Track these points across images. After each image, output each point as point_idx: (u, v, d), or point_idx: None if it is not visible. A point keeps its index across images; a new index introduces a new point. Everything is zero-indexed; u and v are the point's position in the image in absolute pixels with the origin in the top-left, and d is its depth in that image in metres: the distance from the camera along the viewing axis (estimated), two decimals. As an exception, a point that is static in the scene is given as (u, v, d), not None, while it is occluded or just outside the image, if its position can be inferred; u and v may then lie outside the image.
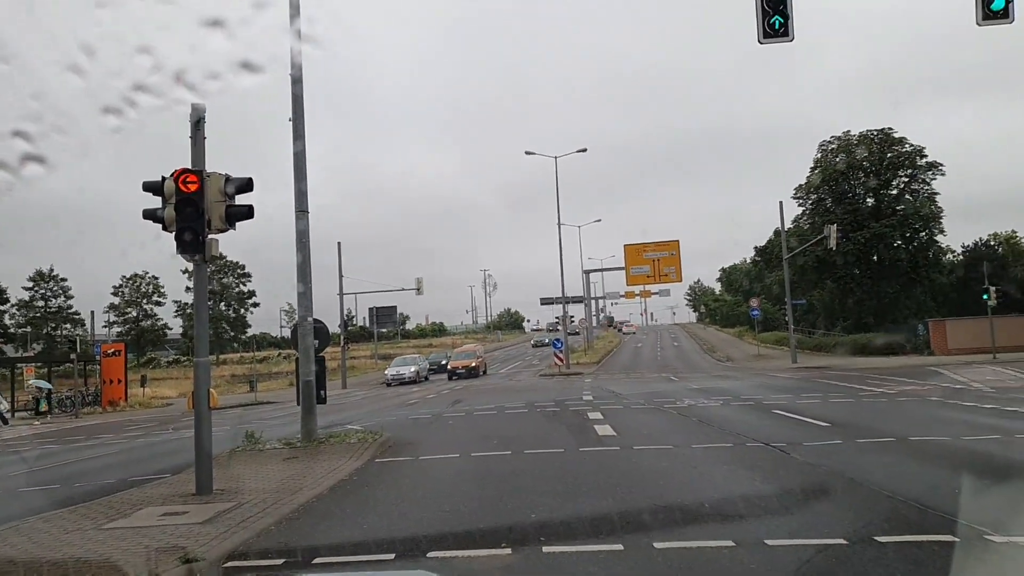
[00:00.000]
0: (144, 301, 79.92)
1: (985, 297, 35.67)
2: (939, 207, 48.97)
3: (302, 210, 13.38)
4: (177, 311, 78.38)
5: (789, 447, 10.65)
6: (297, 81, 13.28)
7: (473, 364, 45.32)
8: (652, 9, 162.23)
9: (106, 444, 19.47)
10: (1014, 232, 71.11)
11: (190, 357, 66.03)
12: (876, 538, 5.71)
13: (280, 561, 6.19)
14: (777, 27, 12.00)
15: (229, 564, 6.14)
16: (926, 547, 5.50)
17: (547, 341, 77.56)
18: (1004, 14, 12.21)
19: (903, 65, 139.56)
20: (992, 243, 66.75)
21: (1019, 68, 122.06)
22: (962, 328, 40.31)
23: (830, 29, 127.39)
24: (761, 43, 12.28)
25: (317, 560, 6.13)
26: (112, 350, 41.33)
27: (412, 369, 44.75)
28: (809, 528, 6.19)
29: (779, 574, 5.27)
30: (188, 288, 71.96)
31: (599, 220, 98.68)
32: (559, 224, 47.30)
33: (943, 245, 52.55)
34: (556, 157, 46.97)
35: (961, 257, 57.29)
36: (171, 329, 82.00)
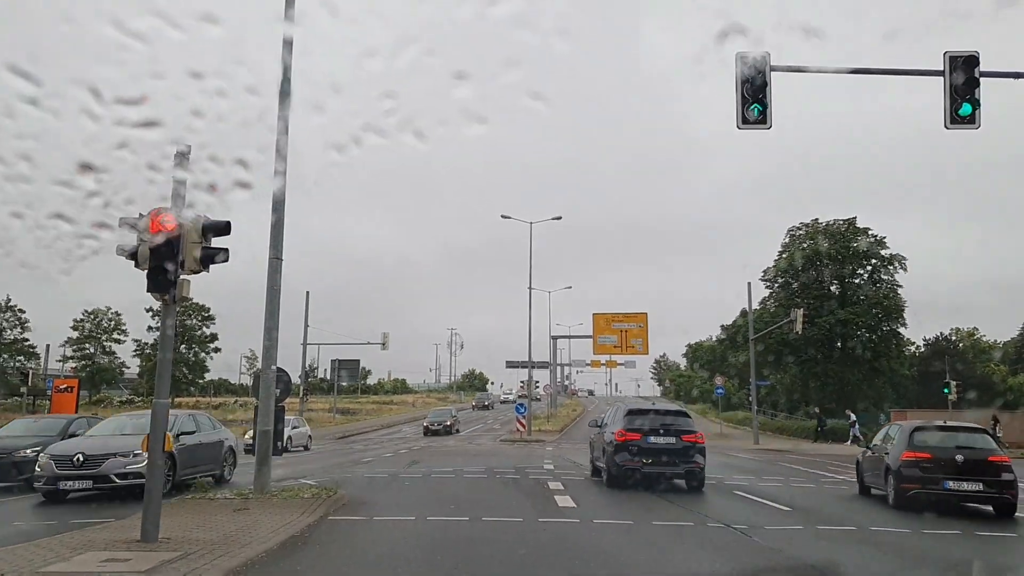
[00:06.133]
0: (104, 337, 78.03)
1: (946, 391, 36.29)
2: (902, 299, 50.20)
3: (277, 258, 13.31)
4: (136, 350, 76.57)
5: (750, 529, 10.57)
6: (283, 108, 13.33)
7: None
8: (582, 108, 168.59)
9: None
10: (975, 329, 73.00)
11: (145, 398, 64.23)
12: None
13: (224, 618, 5.93)
14: (756, 114, 12.43)
15: (169, 618, 5.87)
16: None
17: (487, 403, 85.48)
18: (971, 119, 12.81)
19: (864, 171, 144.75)
20: (953, 338, 68.31)
21: (959, 183, 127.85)
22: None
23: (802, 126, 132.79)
24: (740, 128, 12.72)
25: (263, 619, 5.89)
26: (64, 385, 40.04)
27: None
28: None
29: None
30: (150, 327, 70.50)
31: (569, 287, 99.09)
32: (530, 288, 47.43)
33: (905, 337, 53.72)
34: (531, 223, 47.55)
35: (923, 350, 58.44)
36: (128, 368, 79.97)
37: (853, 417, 39.53)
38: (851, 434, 38.33)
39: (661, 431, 15.81)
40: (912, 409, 44.00)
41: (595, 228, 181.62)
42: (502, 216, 48.31)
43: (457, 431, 46.84)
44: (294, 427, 33.60)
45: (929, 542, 10.17)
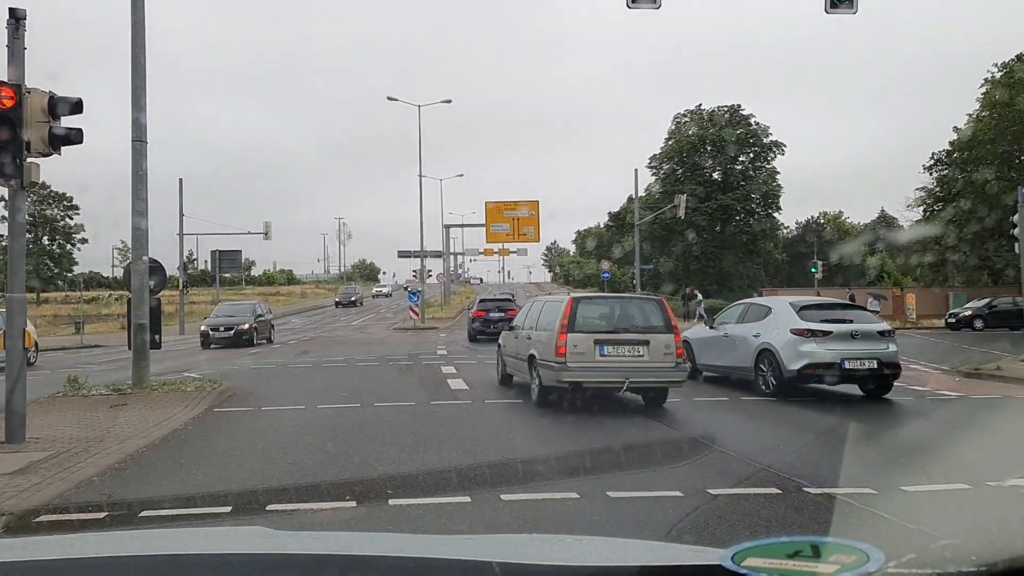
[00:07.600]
0: (-49, 229, 71.51)
1: (813, 271, 38.78)
2: (779, 185, 52.56)
3: (139, 140, 12.30)
4: (-11, 242, 70.78)
5: (632, 408, 11.08)
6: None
7: None
8: None
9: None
10: (840, 212, 77.86)
11: (3, 292, 59.96)
12: (709, 490, 6.03)
13: (102, 515, 5.71)
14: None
15: (42, 518, 5.60)
16: (753, 499, 5.87)
17: (352, 299, 70.55)
18: (850, 4, 13.02)
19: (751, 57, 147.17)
20: (822, 221, 72.64)
21: (832, 73, 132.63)
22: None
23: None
24: (630, 7, 12.44)
25: (145, 513, 5.70)
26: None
27: None
28: (649, 482, 6.43)
29: (619, 524, 5.44)
30: (4, 218, 65.08)
31: (461, 175, 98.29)
32: (420, 176, 46.24)
33: (779, 221, 56.67)
34: (420, 106, 45.81)
35: (794, 232, 61.92)
36: (-18, 262, 74.01)
37: (699, 296, 42.09)
38: (697, 313, 40.80)
39: (497, 310, 26.44)
40: (783, 288, 46.94)
41: (485, 115, 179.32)
42: (388, 98, 46.22)
43: (268, 340, 30.00)
44: None
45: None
